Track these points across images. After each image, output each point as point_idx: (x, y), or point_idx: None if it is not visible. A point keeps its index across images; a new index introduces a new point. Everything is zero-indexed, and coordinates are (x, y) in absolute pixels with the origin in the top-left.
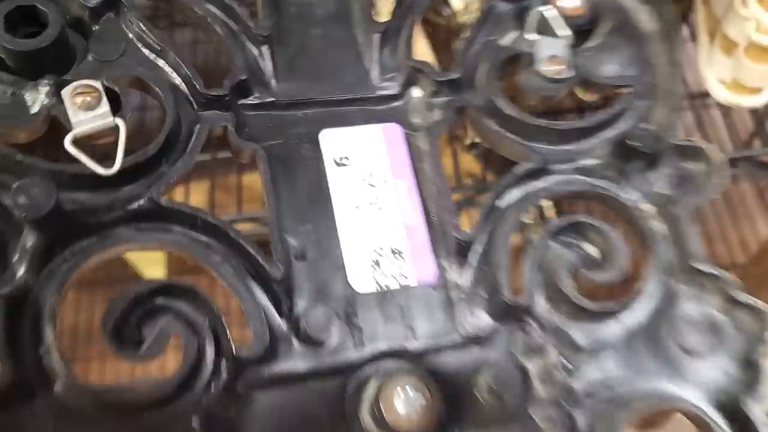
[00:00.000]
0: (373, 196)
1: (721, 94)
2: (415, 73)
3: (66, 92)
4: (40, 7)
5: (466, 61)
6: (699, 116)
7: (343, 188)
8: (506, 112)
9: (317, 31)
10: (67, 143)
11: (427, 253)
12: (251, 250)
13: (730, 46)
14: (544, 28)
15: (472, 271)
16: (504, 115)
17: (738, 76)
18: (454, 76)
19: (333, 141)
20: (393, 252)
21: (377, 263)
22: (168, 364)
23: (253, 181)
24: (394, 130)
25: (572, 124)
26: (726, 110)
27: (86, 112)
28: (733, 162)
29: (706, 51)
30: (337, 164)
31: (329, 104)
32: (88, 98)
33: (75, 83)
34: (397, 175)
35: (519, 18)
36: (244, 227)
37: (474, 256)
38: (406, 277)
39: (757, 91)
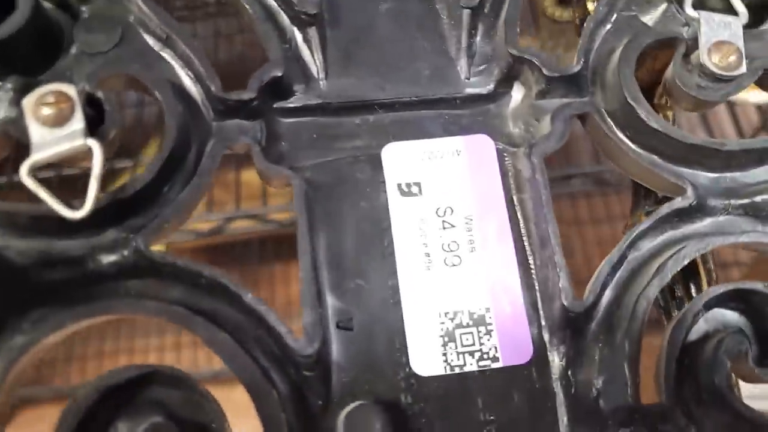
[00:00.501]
0: (451, 239)
1: None
2: (518, 65)
3: (28, 102)
4: None
5: (591, 47)
6: (704, 112)
7: (410, 227)
8: (649, 123)
9: (384, 5)
10: (23, 173)
11: (521, 325)
12: (271, 320)
13: None
14: (710, 0)
15: (586, 353)
16: (644, 128)
17: None
18: (574, 69)
19: (399, 160)
20: (474, 320)
21: (451, 335)
22: (165, 362)
23: (252, 177)
24: (484, 144)
25: (745, 144)
26: (731, 106)
27: (53, 129)
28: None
29: None
30: (404, 193)
31: (397, 107)
32: (59, 109)
33: (40, 89)
34: (485, 211)
35: None
36: (242, 224)
37: (591, 333)
38: (490, 357)
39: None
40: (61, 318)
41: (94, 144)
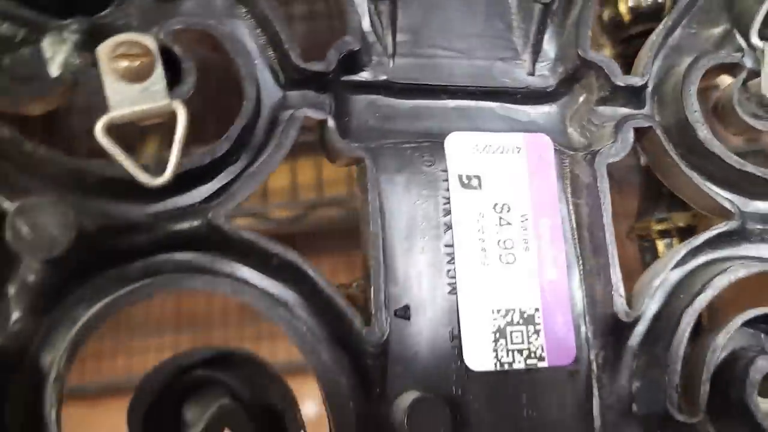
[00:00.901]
0: (507, 237)
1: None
2: (584, 69)
3: (103, 51)
4: None
5: (654, 61)
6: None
7: (469, 221)
8: (708, 146)
9: None
10: (100, 132)
11: (567, 327)
12: (341, 306)
13: None
14: None
15: (625, 359)
16: (700, 150)
17: None
18: (641, 81)
19: (461, 150)
20: (524, 319)
21: (502, 332)
22: None
23: None
24: (544, 144)
25: None
26: None
27: (130, 85)
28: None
29: None
30: (464, 186)
31: (460, 95)
32: (135, 63)
33: (117, 38)
34: (541, 211)
35: (732, 9)
36: (242, 222)
37: (631, 341)
38: (536, 356)
39: None
40: (122, 289)
41: (178, 105)
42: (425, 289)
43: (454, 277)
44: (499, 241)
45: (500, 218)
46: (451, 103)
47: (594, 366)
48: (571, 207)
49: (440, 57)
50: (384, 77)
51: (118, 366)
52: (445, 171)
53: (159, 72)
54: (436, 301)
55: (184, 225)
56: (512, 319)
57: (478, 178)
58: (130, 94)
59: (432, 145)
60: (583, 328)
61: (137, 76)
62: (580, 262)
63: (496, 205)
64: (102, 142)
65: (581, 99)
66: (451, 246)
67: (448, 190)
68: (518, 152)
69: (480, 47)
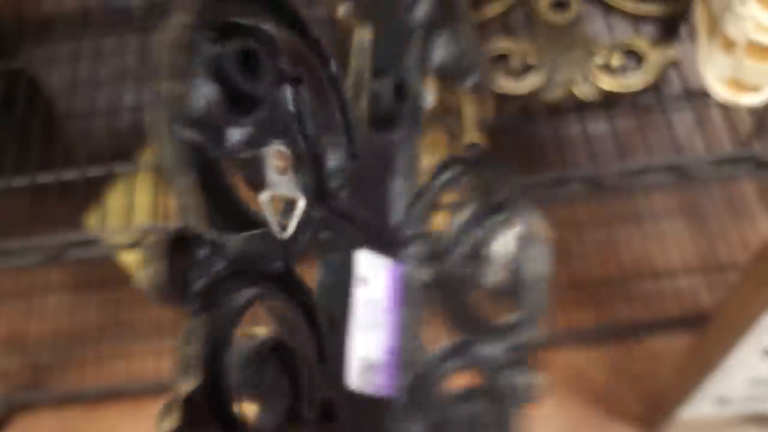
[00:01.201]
0: (377, 316)
1: (720, 92)
2: (416, 236)
3: (271, 152)
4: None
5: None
6: (698, 116)
7: (363, 305)
8: (460, 302)
9: (376, 166)
10: (264, 200)
11: (394, 373)
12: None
13: (729, 45)
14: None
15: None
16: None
17: (737, 75)
18: (437, 248)
19: (363, 263)
20: (375, 364)
21: (367, 370)
22: (163, 366)
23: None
24: (398, 269)
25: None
26: (725, 109)
27: (278, 176)
28: (734, 162)
29: (705, 50)
30: (361, 283)
31: (371, 231)
32: (283, 164)
33: (279, 146)
34: (391, 306)
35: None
36: None
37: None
38: (377, 388)
39: (756, 89)
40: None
41: (300, 197)
42: (341, 341)
43: (352, 337)
44: (373, 318)
45: (375, 306)
46: (363, 233)
47: (401, 397)
48: (404, 310)
49: (362, 202)
50: (342, 209)
51: (117, 370)
52: (355, 274)
53: (292, 174)
54: (341, 349)
55: (272, 266)
56: (370, 364)
57: (368, 279)
58: (278, 181)
59: (349, 255)
60: (401, 375)
61: (280, 171)
62: (403, 342)
63: (373, 296)
64: (264, 209)
65: (418, 254)
66: (352, 320)
67: (355, 286)
68: (387, 268)
69: (384, 209)
